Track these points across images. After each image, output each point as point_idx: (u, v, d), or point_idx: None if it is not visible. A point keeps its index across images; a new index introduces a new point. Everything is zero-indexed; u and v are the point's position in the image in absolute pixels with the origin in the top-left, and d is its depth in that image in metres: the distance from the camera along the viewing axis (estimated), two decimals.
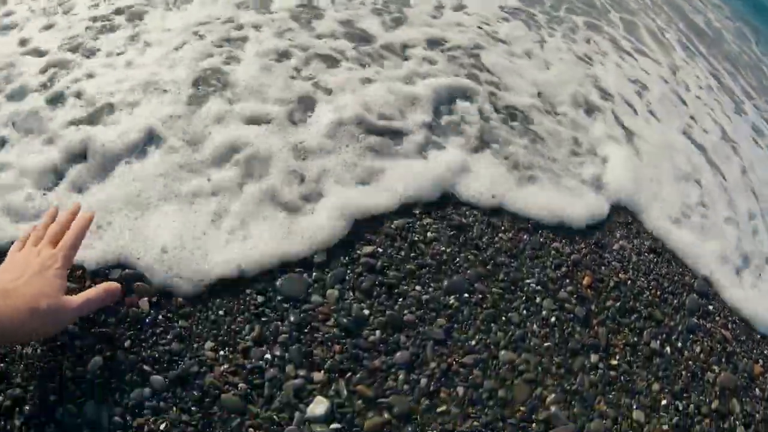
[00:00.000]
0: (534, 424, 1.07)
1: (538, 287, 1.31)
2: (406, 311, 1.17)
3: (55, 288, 0.87)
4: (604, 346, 1.25)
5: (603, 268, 1.44)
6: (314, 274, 1.17)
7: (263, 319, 1.08)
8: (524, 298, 1.28)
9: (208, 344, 1.02)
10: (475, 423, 1.04)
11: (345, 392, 1.02)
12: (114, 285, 0.98)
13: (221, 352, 1.02)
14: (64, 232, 0.98)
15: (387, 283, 1.19)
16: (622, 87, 2.06)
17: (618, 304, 1.37)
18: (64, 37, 1.58)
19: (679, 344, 1.36)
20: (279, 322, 1.08)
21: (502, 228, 1.41)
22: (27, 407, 0.90)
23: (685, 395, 1.26)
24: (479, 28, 2.06)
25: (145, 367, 0.97)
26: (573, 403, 1.13)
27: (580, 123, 1.84)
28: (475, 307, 1.22)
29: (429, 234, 1.31)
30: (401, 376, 1.07)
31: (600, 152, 1.76)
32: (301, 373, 1.03)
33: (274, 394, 0.99)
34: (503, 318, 1.23)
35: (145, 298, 1.05)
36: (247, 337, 1.05)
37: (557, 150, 1.68)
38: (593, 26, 2.34)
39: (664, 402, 1.22)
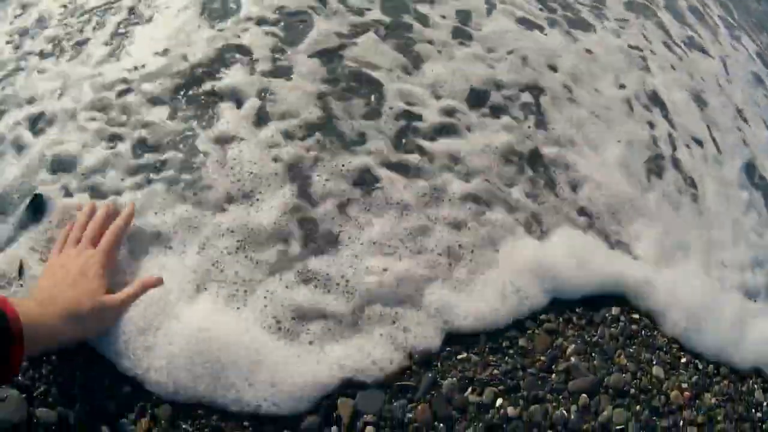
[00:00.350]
0: (554, 375, 1.08)
1: None
2: None
3: (96, 288, 0.88)
4: None
5: None
6: None
7: None
8: None
9: None
10: (495, 371, 1.04)
11: None
12: (153, 279, 0.97)
13: None
14: (102, 232, 0.97)
15: None
16: (685, 110, 1.79)
17: None
18: None
19: None
20: None
21: None
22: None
23: None
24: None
25: None
26: (593, 354, 1.13)
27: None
28: None
29: None
30: None
31: None
32: None
33: None
34: None
35: None
36: None
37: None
38: (637, 6, 2.20)
39: (683, 360, 1.22)
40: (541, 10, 1.84)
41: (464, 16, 1.66)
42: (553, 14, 1.84)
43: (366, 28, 1.51)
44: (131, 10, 1.51)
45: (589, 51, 1.74)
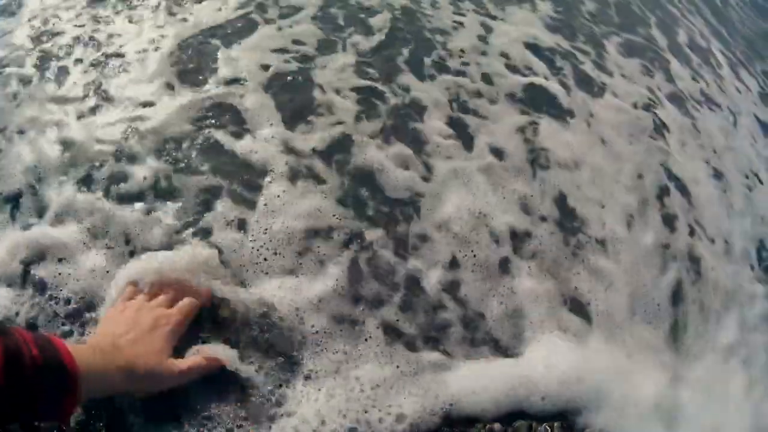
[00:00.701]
0: None
1: None
2: None
3: (159, 350, 0.84)
4: None
5: None
6: None
7: None
8: None
9: None
10: None
11: None
12: (216, 361, 0.91)
13: None
14: (181, 296, 0.95)
15: None
16: (704, 195, 1.68)
17: None
18: None
19: None
20: None
21: None
22: None
23: None
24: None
25: None
26: None
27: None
28: None
29: None
30: None
31: None
32: None
33: None
34: None
35: None
36: None
37: None
38: (637, 49, 2.17)
39: None
40: (548, 68, 1.79)
41: (461, 102, 1.56)
42: (561, 74, 1.79)
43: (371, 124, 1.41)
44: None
45: (604, 141, 1.64)
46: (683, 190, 1.65)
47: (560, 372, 1.10)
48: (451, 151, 1.41)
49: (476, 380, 1.05)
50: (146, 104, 1.35)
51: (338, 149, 1.33)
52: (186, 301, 0.94)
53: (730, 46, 2.77)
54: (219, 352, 0.93)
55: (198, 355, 0.90)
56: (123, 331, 0.84)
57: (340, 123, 1.39)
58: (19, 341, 0.65)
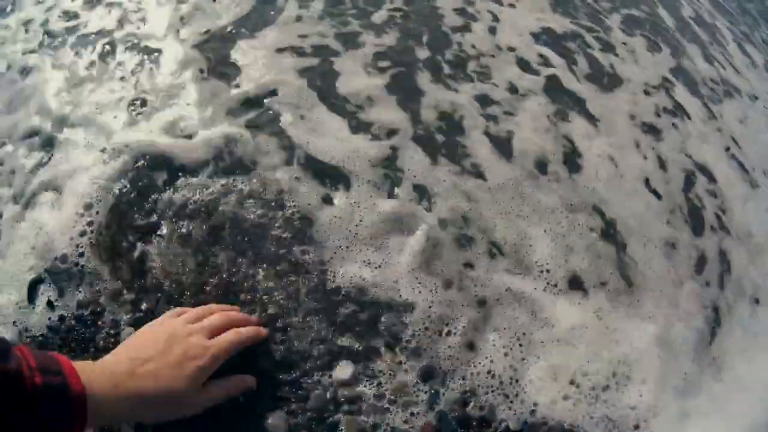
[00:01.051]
0: None
1: None
2: None
3: (186, 385, 0.75)
4: None
5: None
6: None
7: None
8: None
9: None
10: None
11: None
12: (249, 380, 0.86)
13: None
14: (227, 329, 0.86)
15: None
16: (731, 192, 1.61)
17: None
18: None
19: None
20: None
21: None
22: None
23: None
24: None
25: None
26: None
27: None
28: None
29: None
30: None
31: None
32: None
33: None
34: None
35: None
36: None
37: None
38: (639, 22, 2.04)
39: None
40: (561, 56, 1.69)
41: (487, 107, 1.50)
42: (573, 64, 1.69)
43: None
44: None
45: (629, 134, 1.57)
46: (709, 184, 1.57)
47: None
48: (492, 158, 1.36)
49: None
50: (182, 97, 1.30)
51: (391, 155, 1.28)
52: (229, 336, 0.84)
53: (731, 17, 2.66)
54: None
55: (226, 381, 0.83)
56: (145, 357, 0.75)
57: (387, 128, 1.33)
58: (21, 364, 0.60)
